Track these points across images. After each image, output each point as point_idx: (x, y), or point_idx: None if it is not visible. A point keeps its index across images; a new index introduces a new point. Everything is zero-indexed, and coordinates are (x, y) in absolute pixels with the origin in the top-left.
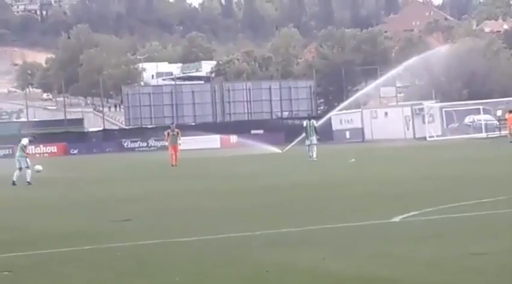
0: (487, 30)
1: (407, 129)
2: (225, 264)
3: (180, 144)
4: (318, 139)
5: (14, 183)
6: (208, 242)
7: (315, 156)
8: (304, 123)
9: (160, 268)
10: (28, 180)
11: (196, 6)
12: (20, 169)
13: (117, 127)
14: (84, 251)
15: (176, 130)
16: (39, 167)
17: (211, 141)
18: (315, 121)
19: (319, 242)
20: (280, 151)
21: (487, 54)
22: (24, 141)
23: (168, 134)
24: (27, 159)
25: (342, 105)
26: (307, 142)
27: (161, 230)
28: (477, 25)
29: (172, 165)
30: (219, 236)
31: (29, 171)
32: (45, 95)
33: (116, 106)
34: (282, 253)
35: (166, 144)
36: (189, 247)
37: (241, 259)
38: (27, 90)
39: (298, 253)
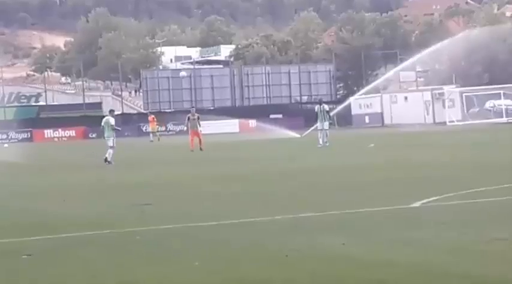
0: (508, 14)
1: (427, 114)
2: (244, 249)
3: (201, 130)
4: (330, 124)
5: (109, 162)
6: (228, 227)
7: (326, 140)
8: (316, 108)
9: (180, 253)
10: (109, 159)
11: None
12: (112, 147)
13: (135, 112)
14: (104, 235)
15: (197, 114)
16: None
17: (230, 125)
18: (326, 106)
19: (338, 227)
20: (299, 136)
21: (508, 39)
22: (112, 121)
23: (189, 118)
24: (114, 139)
25: (364, 90)
26: (319, 126)
27: (181, 214)
28: (498, 9)
29: (192, 150)
30: (238, 221)
31: (110, 151)
32: (63, 79)
33: (135, 92)
34: (302, 238)
35: (186, 128)
36: (208, 231)
37: (260, 243)
38: (46, 73)
39: (317, 238)
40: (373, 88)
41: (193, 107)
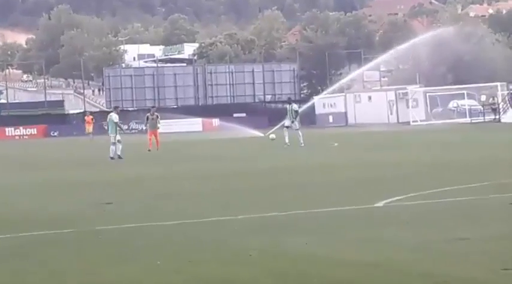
0: (472, 14)
1: (391, 114)
2: (207, 248)
3: (159, 128)
4: (292, 123)
5: (113, 158)
6: (191, 225)
7: (301, 141)
8: (287, 107)
9: (142, 252)
10: (119, 153)
11: None
12: (114, 143)
13: (97, 110)
14: (66, 235)
15: (156, 114)
16: (273, 136)
17: (194, 124)
18: (295, 105)
19: (302, 227)
20: (263, 135)
21: (472, 39)
22: (115, 117)
23: (147, 118)
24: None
25: (329, 89)
26: (286, 124)
27: (143, 214)
28: (462, 9)
29: (149, 150)
30: (201, 220)
31: (119, 146)
32: (25, 76)
33: (99, 90)
34: (265, 237)
35: (145, 127)
36: (171, 230)
37: (223, 243)
38: (7, 71)
39: (281, 237)
40: (337, 88)
41: (153, 106)
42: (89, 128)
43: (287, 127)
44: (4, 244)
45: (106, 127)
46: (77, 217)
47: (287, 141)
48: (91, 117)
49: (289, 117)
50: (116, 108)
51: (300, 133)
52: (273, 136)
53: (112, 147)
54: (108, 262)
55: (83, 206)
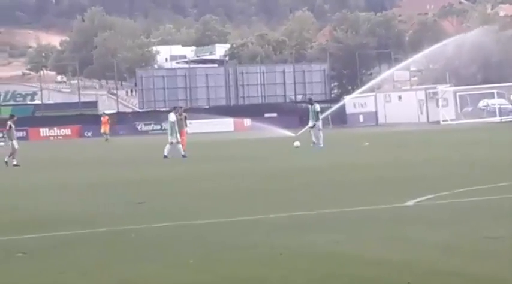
0: (501, 13)
1: (421, 113)
2: (238, 247)
3: (186, 129)
4: (314, 125)
5: (165, 157)
6: (222, 225)
7: (313, 139)
8: (310, 107)
9: (174, 251)
10: (165, 153)
11: None
12: (171, 143)
13: (130, 110)
14: (99, 234)
15: (184, 114)
16: (298, 143)
17: (225, 124)
18: (317, 106)
19: (333, 226)
20: (294, 135)
21: (502, 38)
22: (172, 117)
23: (176, 118)
24: (178, 135)
25: (360, 90)
26: (310, 124)
27: (175, 213)
28: (492, 9)
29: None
30: (232, 220)
31: (168, 146)
32: (59, 78)
33: (132, 91)
34: (296, 236)
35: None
36: (203, 229)
37: (255, 242)
38: (42, 72)
39: (311, 236)
40: (368, 88)
41: (181, 107)
42: (105, 129)
43: (311, 127)
44: (37, 244)
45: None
46: (110, 216)
47: (314, 139)
48: (107, 117)
49: (311, 118)
50: (175, 108)
51: (321, 134)
52: (297, 143)
53: (168, 146)
54: (140, 261)
55: (115, 205)
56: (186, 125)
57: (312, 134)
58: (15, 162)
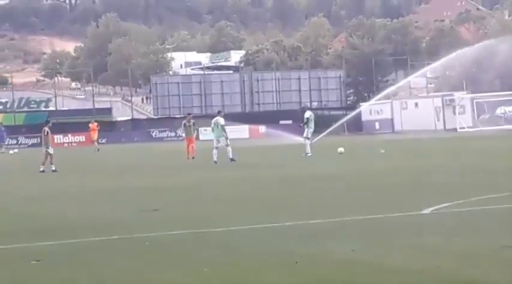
0: None
1: (438, 120)
2: (253, 255)
3: (195, 135)
4: (311, 132)
5: (215, 162)
6: (237, 232)
7: (308, 150)
8: (307, 114)
9: (189, 259)
10: (231, 157)
11: None
12: (217, 148)
13: (145, 117)
14: (113, 241)
15: (192, 121)
16: (342, 149)
17: (240, 131)
18: (307, 112)
19: (349, 233)
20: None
21: None
22: (222, 120)
23: (185, 125)
24: (227, 138)
25: (377, 97)
26: (304, 134)
27: (189, 220)
28: (509, 15)
29: (188, 158)
30: (247, 227)
31: (229, 149)
32: (73, 84)
33: (147, 98)
34: (312, 244)
35: (183, 135)
36: (218, 237)
37: (270, 249)
38: (56, 79)
39: (327, 244)
40: (384, 95)
41: (189, 114)
42: (94, 135)
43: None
44: (52, 251)
45: (212, 131)
46: (125, 223)
47: (308, 150)
48: (96, 123)
49: (309, 125)
50: (219, 112)
51: (308, 142)
52: (341, 149)
53: (228, 148)
54: (155, 268)
55: (129, 212)
56: (195, 130)
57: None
58: (53, 168)
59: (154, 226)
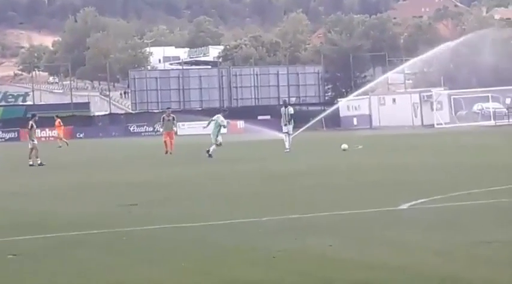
0: (496, 17)
1: (415, 116)
2: (231, 250)
3: (175, 130)
4: (293, 128)
5: (210, 155)
6: (215, 227)
7: (287, 146)
8: (282, 110)
9: (167, 254)
10: (210, 151)
11: None
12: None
13: (123, 112)
14: (91, 236)
15: (172, 115)
16: (345, 146)
17: None
18: (291, 109)
19: (326, 229)
20: None
21: (496, 42)
22: (220, 119)
23: (163, 119)
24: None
25: (356, 93)
26: (284, 130)
27: (167, 215)
28: (487, 12)
29: (166, 153)
30: (225, 222)
31: (214, 146)
32: (51, 78)
33: (125, 93)
34: (289, 239)
35: (161, 129)
36: (195, 232)
37: (248, 245)
38: (34, 73)
39: (305, 239)
40: (363, 91)
41: (168, 108)
42: (60, 133)
43: (286, 133)
44: (29, 246)
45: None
46: (103, 218)
47: (287, 145)
48: (59, 120)
49: (283, 121)
50: (224, 110)
51: (288, 138)
52: (345, 146)
53: (286, 138)
54: (134, 263)
55: (108, 207)
56: (175, 125)
57: (287, 140)
58: (39, 161)
59: (132, 221)
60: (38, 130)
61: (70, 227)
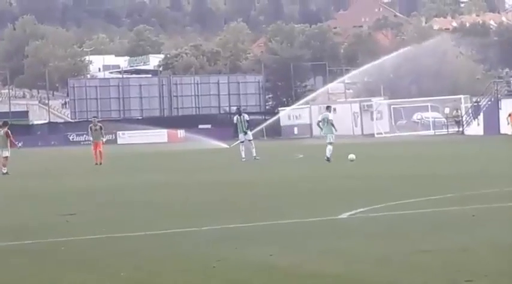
0: (436, 27)
1: (356, 126)
2: (171, 259)
3: (103, 140)
4: (248, 134)
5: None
6: (154, 237)
7: (254, 154)
8: (235, 118)
9: (106, 263)
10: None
11: None
12: (242, 142)
13: (63, 120)
14: (28, 245)
15: (99, 124)
16: (353, 156)
17: (159, 135)
18: (246, 116)
19: (266, 238)
20: (228, 147)
21: (436, 52)
22: (331, 116)
23: (91, 129)
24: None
25: (299, 103)
26: (241, 138)
27: (106, 224)
28: (426, 22)
29: (96, 164)
30: (164, 232)
31: (329, 147)
32: None
33: (65, 103)
34: (229, 248)
35: (91, 139)
36: (134, 241)
37: (187, 254)
38: None
39: (245, 249)
40: (305, 101)
41: (95, 117)
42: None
43: (243, 142)
44: None
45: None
46: (40, 228)
47: (243, 155)
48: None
49: (240, 129)
50: (328, 107)
51: (254, 145)
52: (352, 156)
53: (329, 147)
54: (70, 274)
55: (45, 217)
56: (103, 136)
57: (242, 150)
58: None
59: (70, 230)
60: None
61: (6, 236)
